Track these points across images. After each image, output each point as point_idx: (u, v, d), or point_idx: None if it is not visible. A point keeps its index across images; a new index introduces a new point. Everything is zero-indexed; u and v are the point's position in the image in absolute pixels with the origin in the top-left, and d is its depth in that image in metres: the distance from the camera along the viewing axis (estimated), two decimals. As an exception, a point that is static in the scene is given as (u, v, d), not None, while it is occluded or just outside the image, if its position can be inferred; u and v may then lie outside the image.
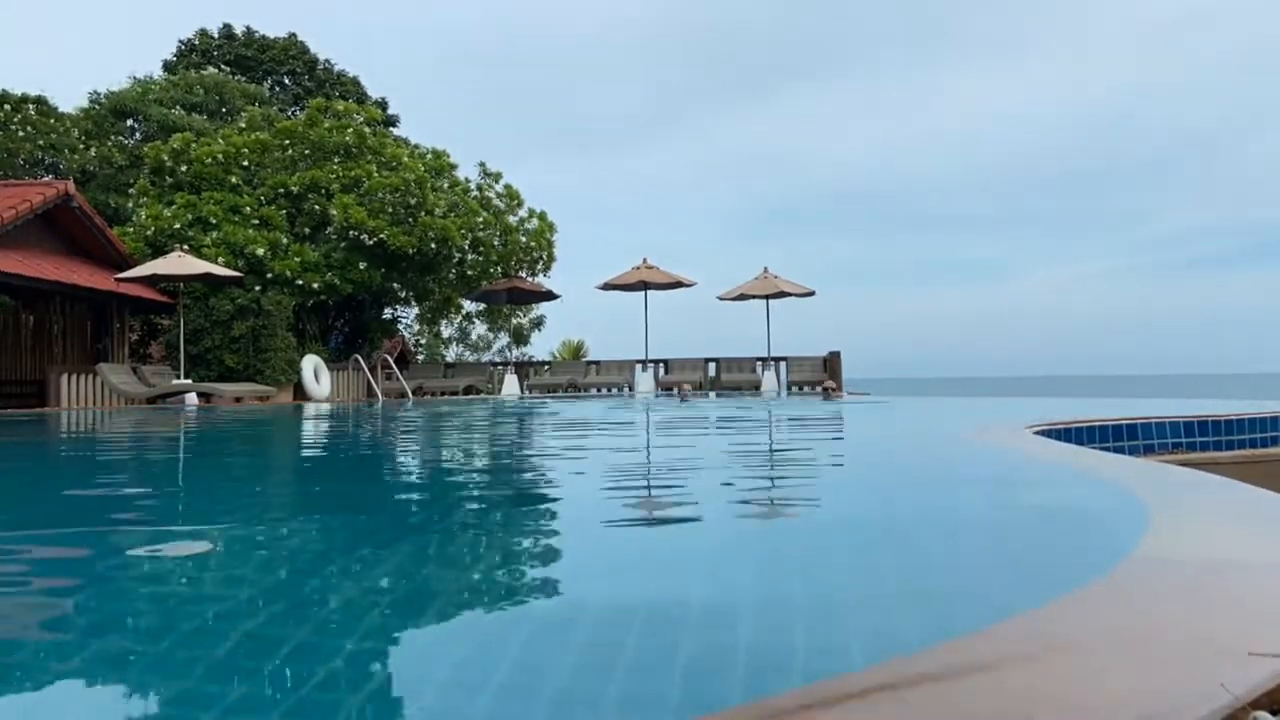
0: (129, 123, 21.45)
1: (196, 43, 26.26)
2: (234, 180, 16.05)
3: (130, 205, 16.82)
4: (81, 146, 18.62)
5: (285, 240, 15.65)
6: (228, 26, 26.45)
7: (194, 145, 16.34)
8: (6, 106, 18.05)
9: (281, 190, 16.17)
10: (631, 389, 16.72)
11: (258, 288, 15.09)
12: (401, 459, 5.47)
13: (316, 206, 15.95)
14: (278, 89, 26.07)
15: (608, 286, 17.55)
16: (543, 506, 3.20)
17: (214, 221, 15.41)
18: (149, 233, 15.17)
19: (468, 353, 28.13)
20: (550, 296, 18.93)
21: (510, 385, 16.46)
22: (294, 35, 26.47)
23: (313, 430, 8.12)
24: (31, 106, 18.71)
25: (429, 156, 18.01)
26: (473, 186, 18.54)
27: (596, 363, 17.95)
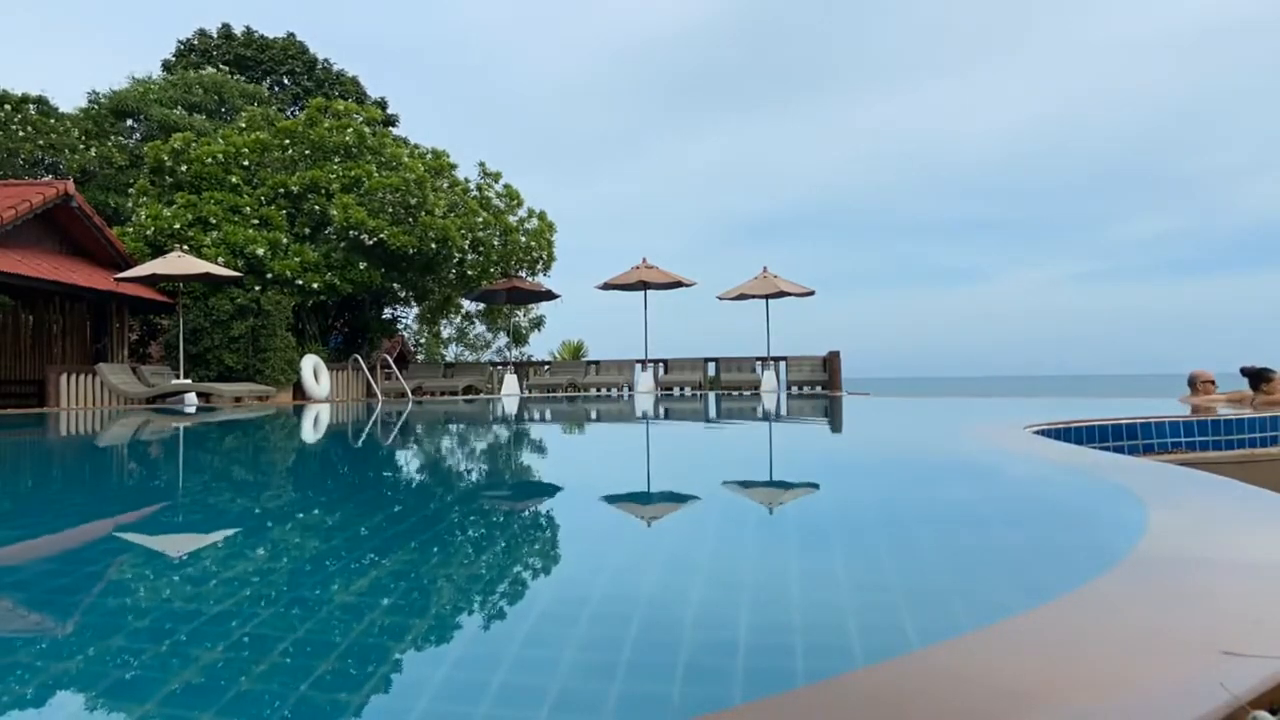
0: (129, 123, 21.45)
1: (196, 43, 26.25)
2: (234, 180, 16.04)
3: (130, 205, 16.81)
4: (81, 146, 18.61)
5: (285, 240, 15.64)
6: (227, 26, 26.44)
7: (194, 145, 16.33)
8: (6, 106, 18.04)
9: (281, 190, 16.16)
10: (631, 389, 16.72)
11: (257, 288, 15.08)
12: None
13: (316, 206, 15.94)
14: (277, 89, 26.06)
15: (607, 286, 17.54)
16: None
17: (214, 221, 15.40)
18: (149, 233, 15.16)
19: (466, 352, 28.10)
20: (550, 296, 18.92)
21: (510, 385, 16.45)
22: (293, 35, 26.47)
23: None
24: (31, 106, 18.71)
25: (429, 156, 18.00)
26: (472, 186, 18.53)
27: (596, 363, 17.94)
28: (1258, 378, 8.45)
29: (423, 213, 15.84)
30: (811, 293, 17.08)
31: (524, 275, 19.05)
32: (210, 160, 15.97)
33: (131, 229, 15.47)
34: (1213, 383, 8.85)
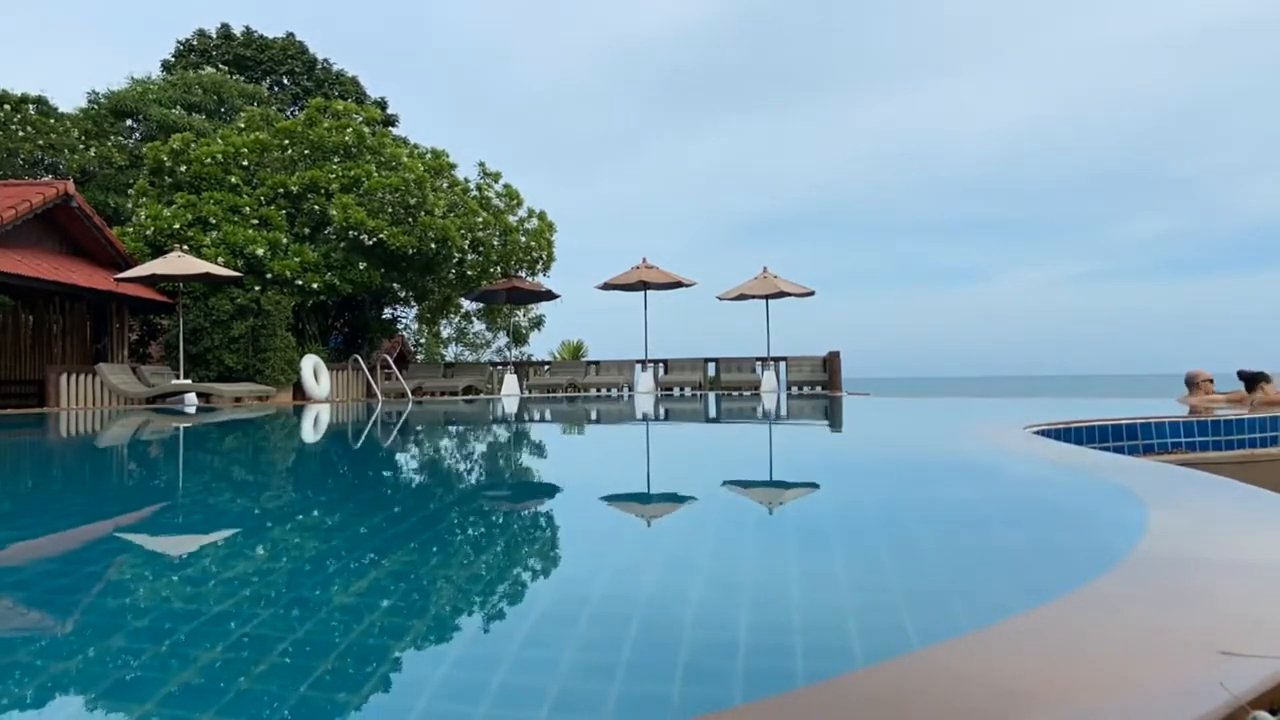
0: (129, 123, 21.45)
1: (195, 43, 26.24)
2: (233, 180, 16.04)
3: (130, 205, 16.81)
4: (81, 146, 18.61)
5: (285, 240, 15.64)
6: (226, 26, 26.44)
7: (193, 145, 16.33)
8: (6, 106, 18.04)
9: (281, 190, 16.17)
10: (631, 389, 16.72)
11: (257, 288, 15.08)
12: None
13: (316, 206, 15.94)
14: (276, 89, 26.05)
15: (607, 286, 17.54)
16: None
17: (213, 221, 15.40)
18: (148, 233, 15.16)
19: (466, 352, 28.12)
20: (550, 296, 18.92)
21: (510, 385, 16.45)
22: (292, 35, 26.47)
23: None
24: (31, 106, 18.70)
25: (428, 156, 18.00)
26: (472, 186, 18.53)
27: (596, 363, 17.94)
28: (1253, 381, 8.48)
29: (422, 213, 15.84)
30: (811, 293, 17.08)
31: (524, 275, 19.05)
32: (210, 160, 15.97)
33: (131, 229, 15.47)
34: (1211, 382, 8.88)
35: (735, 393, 15.79)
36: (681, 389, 16.83)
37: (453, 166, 18.23)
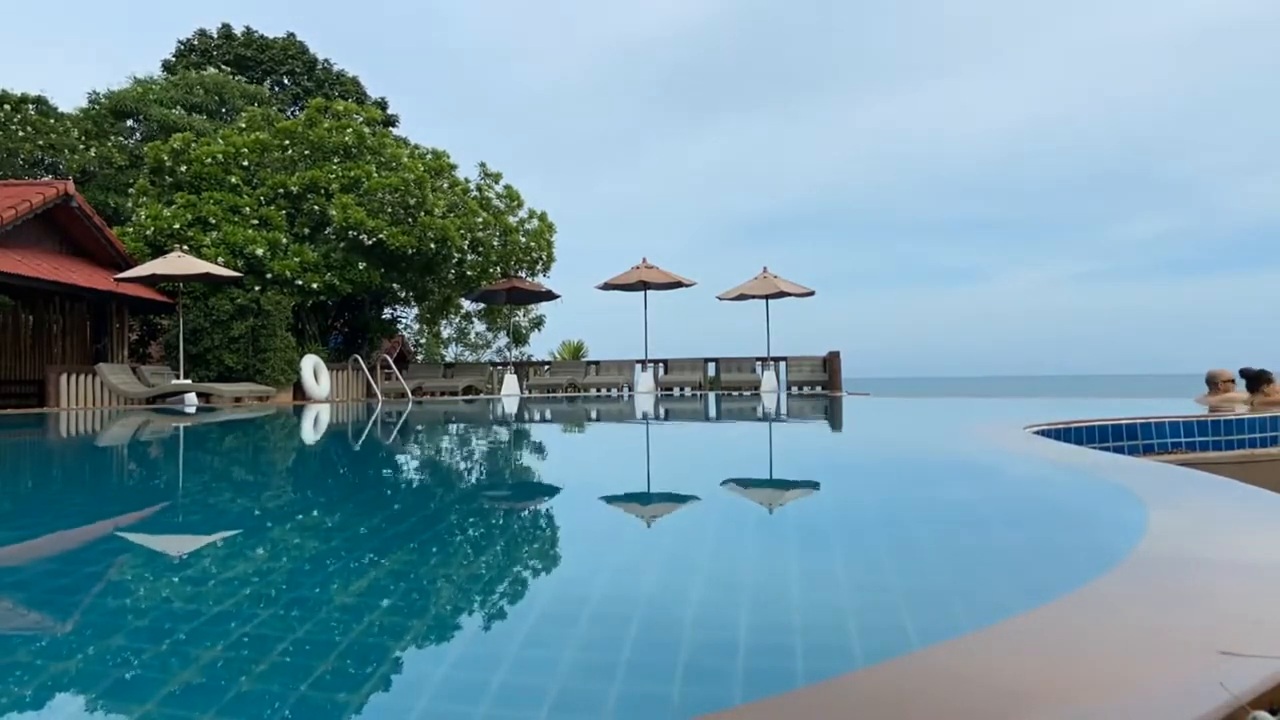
0: (129, 123, 21.44)
1: (196, 43, 26.25)
2: (234, 180, 16.04)
3: (130, 205, 16.81)
4: (81, 146, 18.60)
5: (285, 240, 15.63)
6: (226, 26, 26.44)
7: (194, 145, 16.33)
8: (6, 106, 18.04)
9: (281, 190, 16.16)
10: (631, 389, 16.72)
11: (257, 288, 15.08)
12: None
13: (316, 207, 15.94)
14: (277, 89, 26.05)
15: (607, 286, 17.54)
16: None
17: (213, 221, 15.39)
18: (149, 233, 15.16)
19: (466, 352, 28.11)
20: (550, 296, 18.92)
21: (510, 385, 16.45)
22: (293, 35, 26.47)
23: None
24: (31, 106, 18.70)
25: (429, 156, 18.00)
26: (472, 187, 18.53)
27: (596, 363, 17.94)
28: (1256, 380, 8.48)
29: (422, 213, 15.83)
30: (811, 293, 17.08)
31: (524, 275, 19.05)
32: (210, 160, 15.97)
33: (131, 229, 15.47)
34: (1232, 382, 8.80)
35: (735, 393, 15.79)
36: (681, 389, 16.83)
37: (453, 167, 18.23)
